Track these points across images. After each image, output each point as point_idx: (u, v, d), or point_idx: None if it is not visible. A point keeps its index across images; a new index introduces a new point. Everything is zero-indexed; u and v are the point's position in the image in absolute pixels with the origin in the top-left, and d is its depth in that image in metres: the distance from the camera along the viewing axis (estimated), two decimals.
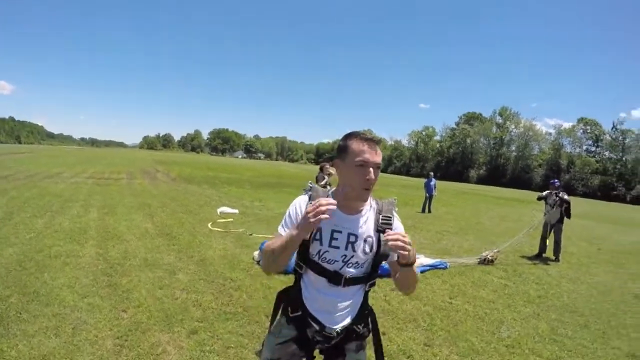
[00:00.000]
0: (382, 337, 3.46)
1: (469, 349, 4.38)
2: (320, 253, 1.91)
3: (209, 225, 10.21)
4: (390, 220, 1.95)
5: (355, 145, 1.84)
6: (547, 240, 10.01)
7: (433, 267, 7.57)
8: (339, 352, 2.03)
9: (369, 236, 1.93)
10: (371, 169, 1.81)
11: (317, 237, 1.90)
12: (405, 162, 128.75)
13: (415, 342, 4.44)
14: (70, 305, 4.59)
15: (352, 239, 1.90)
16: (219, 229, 9.78)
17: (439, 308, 5.60)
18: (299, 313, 1.99)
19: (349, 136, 1.91)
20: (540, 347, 4.60)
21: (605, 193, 74.17)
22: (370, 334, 2.15)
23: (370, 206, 2.00)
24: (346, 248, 1.90)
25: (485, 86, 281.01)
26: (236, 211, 12.70)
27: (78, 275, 5.66)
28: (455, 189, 46.35)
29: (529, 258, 9.64)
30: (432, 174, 19.56)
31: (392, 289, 6.01)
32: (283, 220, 1.99)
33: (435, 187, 18.77)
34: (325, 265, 1.92)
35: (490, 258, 8.49)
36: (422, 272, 7.19)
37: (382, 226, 1.92)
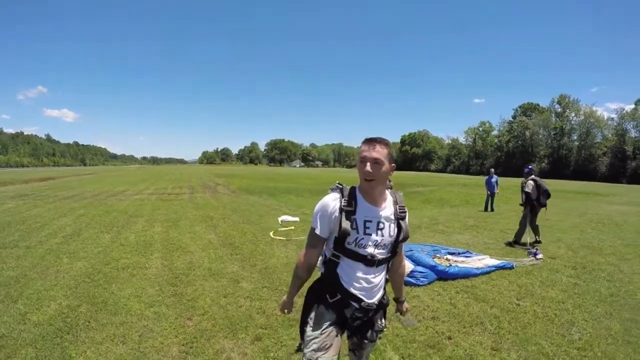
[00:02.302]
0: (448, 342, 4.35)
1: (539, 352, 4.20)
2: (357, 240, 2.30)
3: (271, 234, 10.36)
4: (405, 209, 2.45)
5: (361, 146, 2.32)
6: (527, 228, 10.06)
7: (499, 267, 7.36)
8: (369, 323, 2.51)
9: (392, 223, 2.38)
10: (368, 163, 2.23)
11: (354, 226, 2.29)
12: (464, 160, 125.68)
13: (482, 346, 4.30)
14: (137, 314, 4.81)
15: (380, 225, 2.33)
16: (280, 238, 9.90)
17: (506, 310, 5.39)
18: (338, 297, 2.37)
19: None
20: (613, 349, 4.32)
21: None
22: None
23: (389, 198, 2.43)
24: (377, 234, 2.33)
25: (541, 74, 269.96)
26: (297, 219, 12.85)
27: (144, 285, 5.93)
28: (517, 185, 44.48)
29: (600, 254, 9.03)
30: (492, 170, 18.84)
31: (457, 292, 5.93)
32: (319, 218, 2.36)
33: (497, 184, 18.03)
34: (361, 250, 2.32)
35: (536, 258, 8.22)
36: (487, 272, 7.05)
37: (400, 214, 2.42)
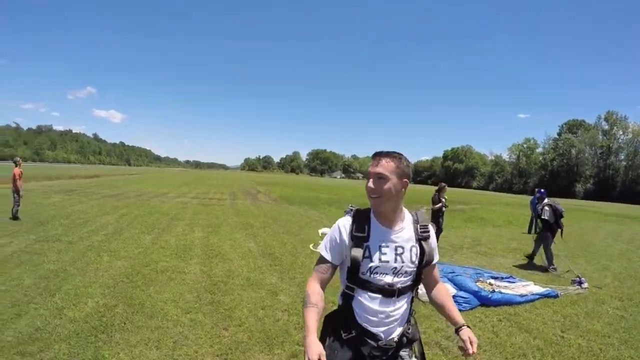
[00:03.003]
0: None
1: None
2: (372, 269, 2.04)
3: (311, 246, 10.26)
4: (428, 228, 2.18)
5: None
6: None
7: (543, 295, 7.05)
8: None
9: (413, 245, 2.11)
10: (371, 179, 2.04)
11: (367, 254, 2.04)
12: (507, 178, 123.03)
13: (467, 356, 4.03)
14: (173, 320, 4.77)
15: (399, 250, 2.07)
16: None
17: (550, 342, 5.14)
18: (353, 334, 2.08)
19: None
20: None
21: None
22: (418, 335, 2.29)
23: (407, 218, 2.17)
24: (395, 260, 2.06)
25: (588, 90, 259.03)
26: None
27: (182, 290, 5.92)
28: (562, 206, 43.14)
29: None
30: (542, 190, 18.23)
31: (499, 319, 5.71)
32: (327, 242, 2.15)
33: None
34: (377, 280, 2.05)
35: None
36: (531, 301, 6.77)
37: (422, 234, 2.14)
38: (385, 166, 2.02)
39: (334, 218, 17.33)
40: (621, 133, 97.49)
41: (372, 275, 2.05)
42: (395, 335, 2.12)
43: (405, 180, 2.06)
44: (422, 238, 2.13)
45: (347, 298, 2.12)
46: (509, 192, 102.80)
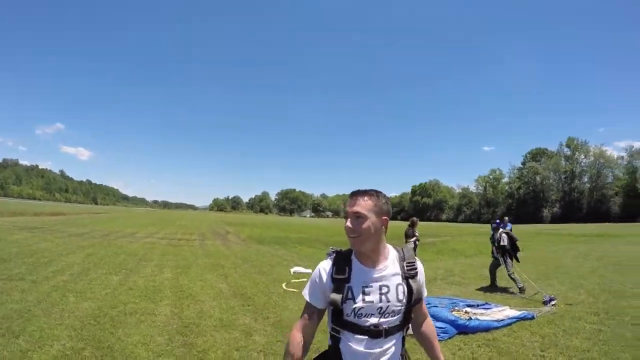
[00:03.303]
0: None
1: None
2: (356, 311, 2.00)
3: (283, 285, 10.09)
4: (415, 265, 2.14)
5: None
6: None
7: (520, 318, 7.19)
8: None
9: (399, 283, 2.07)
10: (349, 219, 2.03)
11: (350, 296, 2.01)
12: (475, 209, 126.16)
13: None
14: None
15: (384, 290, 2.03)
16: (293, 290, 9.61)
17: None
18: None
19: None
20: None
21: None
22: None
23: (392, 255, 2.14)
24: (380, 300, 2.02)
25: (548, 119, 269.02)
26: (310, 271, 12.58)
27: (152, 333, 5.68)
28: (530, 231, 44.36)
29: (622, 297, 8.78)
30: (506, 218, 18.76)
31: (479, 345, 5.75)
32: (309, 286, 2.15)
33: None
34: (362, 321, 2.01)
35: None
36: (509, 324, 6.88)
37: (409, 272, 2.11)
38: (363, 205, 2.01)
39: (305, 257, 17.33)
40: (583, 157, 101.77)
41: (356, 317, 2.01)
42: None
43: (385, 217, 2.05)
44: (409, 276, 2.10)
45: (335, 340, 2.08)
46: (478, 222, 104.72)
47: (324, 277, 2.07)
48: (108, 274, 9.84)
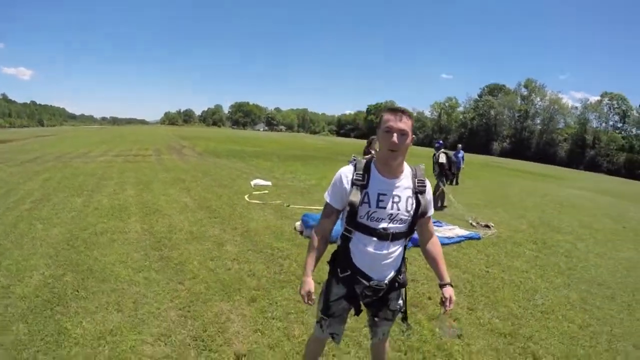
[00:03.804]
0: (428, 301, 4.67)
1: (509, 313, 4.65)
2: (369, 213, 2.23)
3: (246, 197, 10.30)
4: (424, 182, 2.34)
5: (384, 116, 2.21)
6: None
7: (467, 238, 7.86)
8: (382, 302, 2.45)
9: (409, 196, 2.28)
10: (395, 134, 2.13)
11: (366, 200, 2.22)
12: (428, 134, 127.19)
13: (459, 306, 4.68)
14: (127, 280, 4.70)
15: (396, 199, 2.25)
16: (256, 201, 9.85)
17: (477, 276, 5.88)
18: (348, 272, 2.33)
19: (382, 110, 2.29)
20: (572, 314, 4.82)
21: (630, 170, 71.24)
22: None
23: (407, 171, 2.33)
24: (392, 207, 2.23)
25: (511, 56, 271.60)
26: (269, 183, 12.89)
27: (128, 250, 5.79)
28: (480, 162, 46.67)
29: (559, 232, 9.62)
30: (460, 146, 19.77)
31: None
32: (330, 189, 2.36)
33: (463, 160, 18.82)
34: (374, 224, 2.24)
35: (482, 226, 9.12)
36: (458, 242, 7.56)
37: (419, 188, 2.31)
38: (407, 123, 2.16)
39: (263, 170, 17.60)
40: (539, 100, 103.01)
41: (369, 220, 2.24)
42: (387, 278, 2.34)
43: (414, 136, 2.24)
44: (418, 191, 2.31)
45: (346, 239, 2.32)
46: (429, 147, 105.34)
47: (344, 181, 2.27)
48: (70, 197, 9.67)
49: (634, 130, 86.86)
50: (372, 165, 2.28)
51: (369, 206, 2.22)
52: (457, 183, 17.92)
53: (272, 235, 6.99)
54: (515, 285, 5.60)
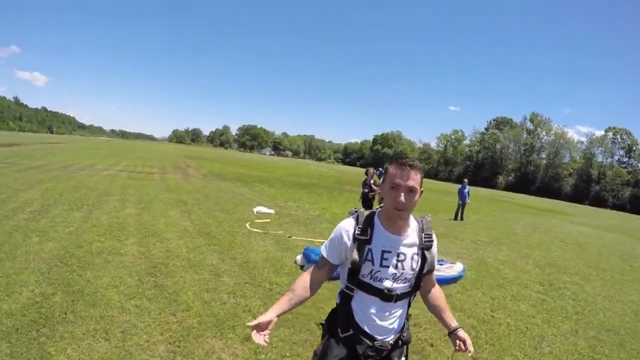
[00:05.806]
0: (430, 349, 4.48)
1: None
2: (372, 273, 2.08)
3: (247, 225, 10.14)
4: (432, 237, 2.19)
5: (391, 169, 2.06)
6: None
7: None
8: None
9: (415, 253, 2.14)
10: (402, 193, 1.99)
11: (369, 257, 2.07)
12: (433, 166, 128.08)
13: (463, 355, 4.36)
14: (117, 307, 4.54)
15: (401, 257, 2.10)
16: (257, 230, 9.70)
17: (482, 321, 5.66)
18: (350, 332, 2.14)
19: (390, 161, 2.15)
20: None
21: (636, 205, 71.71)
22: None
23: (413, 225, 2.18)
24: (396, 267, 2.09)
25: (518, 90, 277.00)
26: (272, 211, 12.72)
27: (122, 274, 5.63)
28: (485, 195, 46.76)
29: (565, 273, 9.44)
30: (466, 180, 19.58)
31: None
32: (328, 243, 2.19)
33: (468, 195, 18.58)
34: (377, 284, 2.09)
35: None
36: (457, 278, 7.45)
37: (426, 243, 2.17)
38: (416, 179, 2.02)
39: (266, 196, 17.43)
40: (544, 134, 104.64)
41: (371, 279, 2.09)
42: (391, 338, 2.18)
43: (422, 189, 2.09)
44: (425, 247, 2.17)
45: (346, 298, 2.17)
46: (435, 179, 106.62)
47: (345, 237, 2.11)
48: (70, 210, 9.59)
49: (639, 164, 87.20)
50: (376, 219, 2.14)
51: (372, 264, 2.08)
52: (462, 218, 17.79)
53: (272, 268, 6.82)
54: (521, 332, 5.39)
